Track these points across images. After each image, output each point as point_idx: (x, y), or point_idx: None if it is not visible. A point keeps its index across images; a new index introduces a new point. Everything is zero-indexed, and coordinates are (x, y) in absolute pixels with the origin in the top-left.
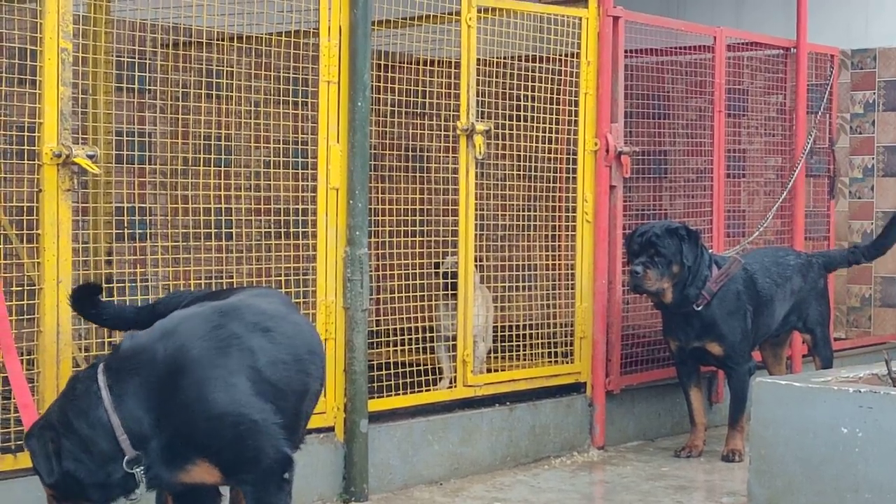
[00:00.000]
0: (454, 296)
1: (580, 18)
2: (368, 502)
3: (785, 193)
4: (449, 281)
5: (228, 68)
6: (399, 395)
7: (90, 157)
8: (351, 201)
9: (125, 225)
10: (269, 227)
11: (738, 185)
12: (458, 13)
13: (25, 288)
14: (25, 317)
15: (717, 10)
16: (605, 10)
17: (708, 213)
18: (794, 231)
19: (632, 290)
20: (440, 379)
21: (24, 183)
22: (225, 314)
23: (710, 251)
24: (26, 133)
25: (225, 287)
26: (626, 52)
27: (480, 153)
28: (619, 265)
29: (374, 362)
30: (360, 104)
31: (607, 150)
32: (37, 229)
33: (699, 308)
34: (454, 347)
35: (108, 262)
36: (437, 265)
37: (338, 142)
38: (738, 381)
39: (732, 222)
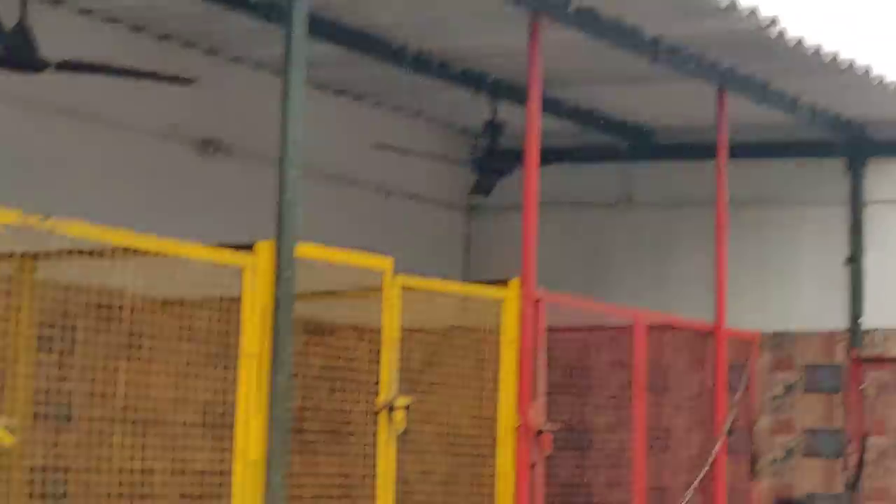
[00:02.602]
0: None
1: (502, 299)
2: None
3: (705, 469)
4: None
5: (152, 335)
6: None
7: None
8: (269, 473)
9: (44, 486)
10: (186, 493)
11: (661, 460)
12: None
13: None
14: None
15: (640, 289)
16: (527, 292)
17: (628, 486)
18: None
19: None
20: None
21: None
22: None
23: None
24: None
25: None
26: (548, 329)
27: (400, 427)
28: None
29: None
30: (281, 379)
31: (528, 428)
32: None
33: None
34: None
35: None
36: None
37: (259, 413)
38: None
39: (653, 495)
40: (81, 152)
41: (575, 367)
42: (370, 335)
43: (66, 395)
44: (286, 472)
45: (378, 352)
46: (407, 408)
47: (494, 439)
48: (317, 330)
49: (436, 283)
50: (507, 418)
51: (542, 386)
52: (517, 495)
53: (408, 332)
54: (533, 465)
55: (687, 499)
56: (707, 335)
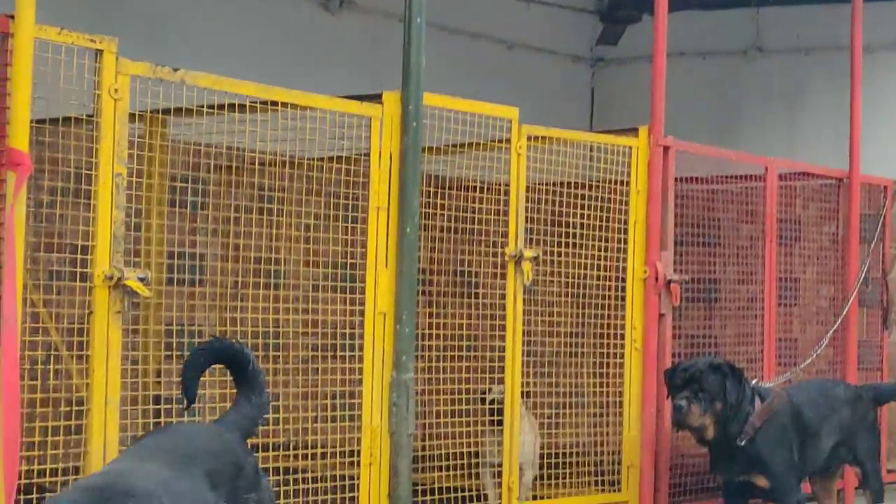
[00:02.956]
0: (500, 423)
1: (630, 148)
2: None
3: (838, 322)
4: (496, 408)
5: (281, 193)
6: None
7: (141, 279)
8: (398, 326)
9: (174, 346)
10: (317, 350)
11: (790, 314)
12: (509, 141)
13: (74, 408)
14: (73, 437)
15: (769, 140)
16: (656, 139)
17: (759, 341)
18: (846, 361)
19: (674, 424)
20: None
21: (76, 304)
22: None
23: (752, 384)
24: (79, 255)
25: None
26: (676, 178)
27: (528, 279)
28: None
29: (419, 487)
30: (408, 230)
31: (656, 279)
32: (87, 350)
33: (742, 443)
34: (500, 474)
35: (158, 383)
36: (484, 394)
37: (386, 266)
38: None
39: (784, 351)
40: (211, 9)
41: (703, 219)
42: (497, 191)
43: (197, 255)
44: (415, 324)
45: (505, 207)
46: (535, 259)
47: (623, 292)
48: (443, 186)
49: (563, 133)
50: (636, 269)
51: (670, 236)
52: (645, 347)
53: (534, 186)
54: (661, 316)
55: (818, 351)
56: (839, 184)
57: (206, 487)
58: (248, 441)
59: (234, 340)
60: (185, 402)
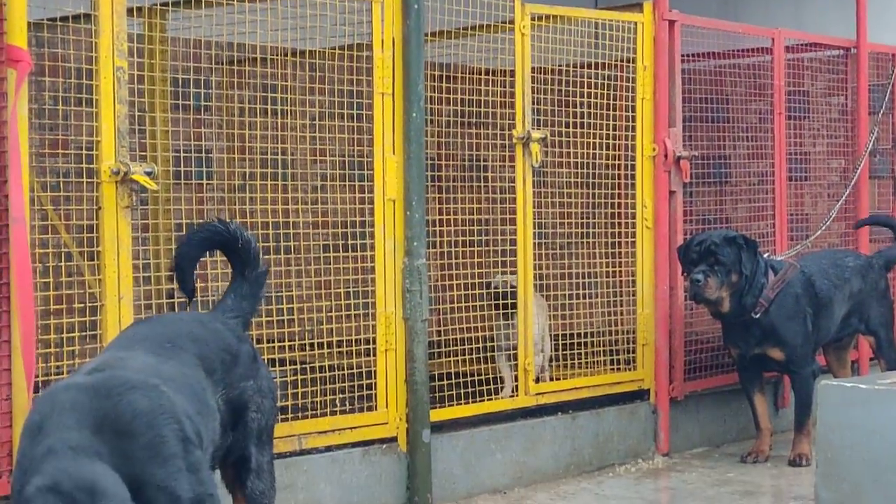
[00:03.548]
0: (506, 307)
1: (635, 24)
2: None
3: (847, 191)
4: (500, 293)
5: (284, 83)
6: (461, 404)
7: (148, 173)
8: (408, 212)
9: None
10: (329, 241)
11: (800, 189)
12: (512, 22)
13: (87, 305)
14: (88, 333)
15: (774, 11)
16: (661, 14)
17: (770, 216)
18: (857, 233)
19: (691, 298)
20: (501, 389)
21: (84, 201)
22: None
23: (766, 257)
24: (84, 151)
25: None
26: (683, 56)
27: (537, 161)
28: (681, 271)
29: (435, 373)
30: (414, 115)
31: (666, 155)
32: (97, 246)
33: (757, 315)
34: (514, 357)
35: (170, 279)
36: (488, 286)
37: (394, 153)
38: (802, 385)
39: (795, 226)
40: None
41: (712, 94)
42: (502, 74)
43: (203, 152)
44: (425, 210)
45: (511, 89)
46: (543, 140)
47: (632, 171)
48: (449, 72)
49: (567, 10)
50: (645, 147)
51: (678, 113)
52: (657, 225)
53: (539, 69)
54: (672, 194)
55: (827, 223)
56: (847, 54)
57: (197, 370)
58: (260, 330)
59: (216, 220)
60: (187, 298)
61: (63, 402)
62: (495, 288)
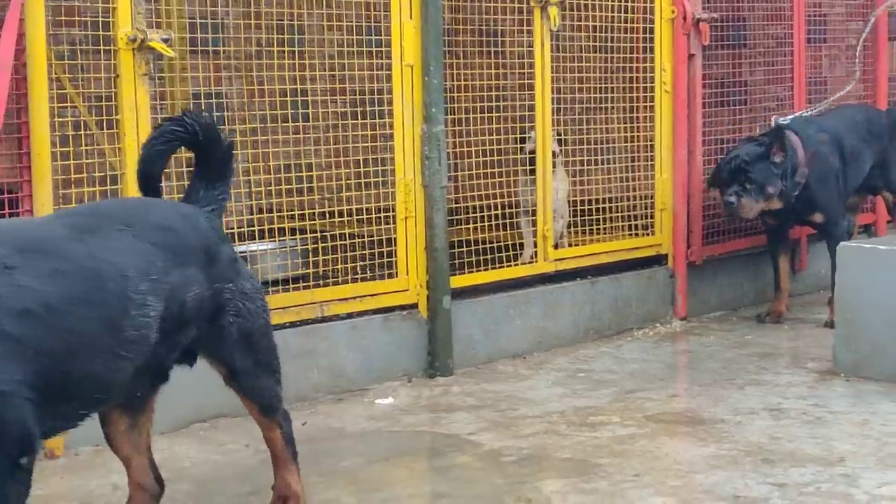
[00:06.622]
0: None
1: None
2: (453, 376)
3: (863, 35)
4: (533, 157)
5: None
6: (480, 271)
7: (165, 40)
8: (426, 78)
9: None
10: (346, 108)
11: (818, 52)
12: None
13: (108, 174)
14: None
15: None
16: None
17: (788, 80)
18: (877, 95)
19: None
20: (520, 255)
21: (101, 70)
22: None
23: (787, 121)
24: (100, 18)
25: None
26: None
27: (556, 25)
28: (699, 135)
29: (455, 240)
30: None
31: (685, 18)
32: (116, 115)
33: (797, 192)
34: (536, 222)
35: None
36: (521, 140)
37: (410, 18)
38: (838, 244)
39: (813, 88)
40: None
41: None
42: None
43: (221, 95)
44: (442, 76)
45: None
46: (561, 3)
47: (651, 34)
48: None
49: None
50: (664, 10)
51: None
52: (675, 89)
53: None
54: (691, 57)
55: (848, 87)
56: None
57: (133, 258)
58: (280, 198)
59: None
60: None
61: None
62: (531, 150)
